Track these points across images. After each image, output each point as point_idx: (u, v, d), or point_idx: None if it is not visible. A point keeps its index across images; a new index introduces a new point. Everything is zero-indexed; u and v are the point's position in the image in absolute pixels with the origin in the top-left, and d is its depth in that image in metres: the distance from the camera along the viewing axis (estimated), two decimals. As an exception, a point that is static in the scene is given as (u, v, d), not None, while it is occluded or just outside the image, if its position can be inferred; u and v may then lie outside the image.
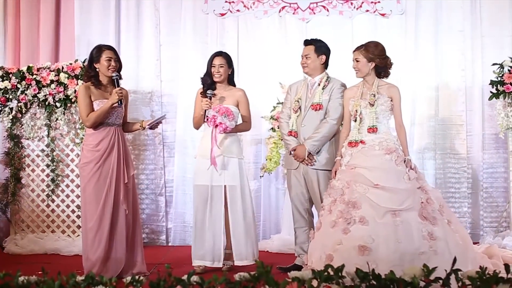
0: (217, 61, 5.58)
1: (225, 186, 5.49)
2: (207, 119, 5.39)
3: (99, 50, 5.23)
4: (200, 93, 5.65)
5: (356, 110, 5.08)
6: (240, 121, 5.68)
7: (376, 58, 5.08)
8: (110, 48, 5.31)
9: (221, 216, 5.48)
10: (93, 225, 5.11)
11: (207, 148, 5.47)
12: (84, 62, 6.61)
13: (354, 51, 5.18)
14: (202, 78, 5.66)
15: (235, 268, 5.47)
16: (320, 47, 5.47)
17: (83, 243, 5.24)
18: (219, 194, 5.48)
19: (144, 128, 5.38)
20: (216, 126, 5.35)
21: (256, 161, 7.15)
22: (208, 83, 5.59)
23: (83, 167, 5.22)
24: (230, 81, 5.69)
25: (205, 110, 5.42)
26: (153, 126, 5.39)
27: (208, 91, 5.51)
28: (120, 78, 5.30)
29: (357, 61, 5.12)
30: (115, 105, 5.13)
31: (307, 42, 5.53)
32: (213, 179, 5.48)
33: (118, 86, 5.16)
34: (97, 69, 5.22)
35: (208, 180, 5.48)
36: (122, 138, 5.28)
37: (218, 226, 5.48)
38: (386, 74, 5.18)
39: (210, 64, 5.60)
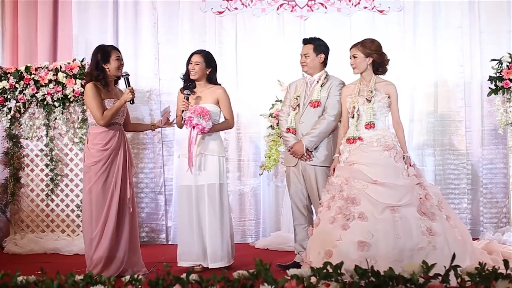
0: (194, 58, 5.55)
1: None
2: (185, 122, 5.38)
3: (106, 50, 5.23)
4: (180, 90, 5.63)
5: (354, 107, 5.09)
6: (222, 119, 5.64)
7: (374, 53, 5.10)
8: (115, 48, 5.37)
9: (205, 215, 5.43)
10: (100, 225, 5.10)
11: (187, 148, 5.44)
12: (82, 61, 6.63)
13: (350, 48, 5.20)
14: (182, 77, 5.64)
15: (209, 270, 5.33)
16: (319, 46, 5.46)
17: (86, 242, 5.20)
18: (203, 193, 5.44)
19: (155, 128, 5.58)
20: (193, 127, 5.34)
21: (255, 159, 7.15)
22: (186, 80, 5.58)
23: (91, 167, 5.17)
24: (210, 79, 5.61)
25: (182, 111, 5.40)
26: (166, 123, 5.50)
27: (185, 91, 5.47)
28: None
29: (355, 57, 5.13)
30: (128, 103, 5.18)
31: (306, 41, 5.52)
32: (196, 179, 5.44)
33: (129, 84, 5.18)
34: (106, 69, 5.21)
35: (191, 180, 5.45)
36: (125, 137, 5.30)
37: (204, 226, 5.43)
38: (384, 71, 5.19)
39: (188, 61, 5.58)
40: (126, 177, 5.19)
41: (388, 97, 5.09)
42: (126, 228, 5.17)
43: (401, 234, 4.58)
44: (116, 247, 5.14)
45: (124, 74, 5.21)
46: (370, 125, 5.03)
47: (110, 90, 5.24)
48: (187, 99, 5.44)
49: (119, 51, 5.31)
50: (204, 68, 5.55)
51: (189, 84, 5.58)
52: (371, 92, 5.07)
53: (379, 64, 5.14)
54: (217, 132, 5.58)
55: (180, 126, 5.68)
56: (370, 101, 5.05)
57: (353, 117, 5.10)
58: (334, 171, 5.10)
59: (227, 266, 5.37)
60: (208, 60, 5.58)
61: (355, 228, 4.63)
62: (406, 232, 4.60)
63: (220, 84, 5.65)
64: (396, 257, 4.47)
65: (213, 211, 5.42)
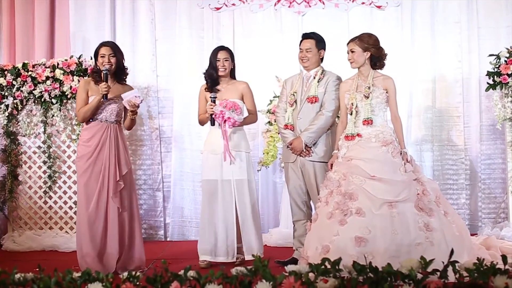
0: (222, 55, 5.59)
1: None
2: (215, 116, 5.39)
3: (98, 47, 5.32)
4: (205, 89, 5.65)
5: (352, 103, 5.08)
6: (246, 113, 5.68)
7: (371, 48, 5.09)
8: (107, 44, 5.36)
9: (232, 210, 5.48)
10: (84, 220, 5.12)
11: (214, 143, 5.49)
12: (79, 58, 6.66)
13: (348, 43, 5.19)
14: (206, 73, 5.65)
15: (246, 262, 5.43)
16: (320, 42, 5.49)
17: (76, 238, 5.28)
18: (229, 188, 5.50)
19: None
20: (225, 121, 5.38)
21: (253, 155, 7.12)
22: (214, 78, 5.58)
23: (76, 162, 5.31)
24: (232, 75, 5.71)
25: (211, 115, 5.42)
26: (130, 103, 5.16)
27: (211, 94, 5.50)
28: (124, 73, 5.37)
29: (352, 51, 5.12)
30: (101, 100, 5.15)
31: (307, 36, 5.52)
32: (223, 174, 5.49)
33: (106, 81, 5.16)
34: (98, 66, 5.29)
35: (218, 174, 5.50)
36: (116, 135, 5.26)
37: (230, 221, 5.49)
38: (381, 65, 5.18)
39: (214, 58, 5.60)
40: (112, 175, 5.17)
41: (386, 92, 5.07)
42: (113, 225, 5.16)
43: (398, 230, 4.57)
44: (105, 243, 5.15)
45: (103, 70, 5.20)
46: (368, 122, 5.02)
47: None
48: (214, 102, 5.45)
49: (111, 48, 5.29)
50: (231, 63, 5.64)
51: (213, 80, 5.59)
52: (369, 88, 5.06)
53: (377, 58, 5.13)
54: (242, 128, 5.63)
55: (202, 124, 5.73)
56: (368, 97, 5.03)
57: (351, 114, 5.09)
58: (332, 166, 5.09)
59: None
60: (232, 55, 5.69)
61: (353, 223, 4.62)
62: (403, 228, 4.59)
63: (235, 78, 5.72)
64: (394, 253, 4.46)
65: (244, 207, 5.50)
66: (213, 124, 5.48)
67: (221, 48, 5.70)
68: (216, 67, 5.58)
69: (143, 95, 7.20)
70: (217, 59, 5.59)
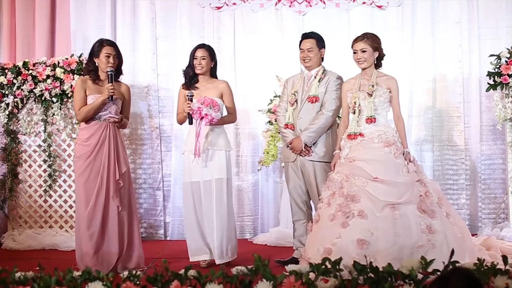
0: (199, 53, 5.58)
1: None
2: (193, 113, 5.34)
3: (100, 45, 5.25)
4: (182, 85, 5.65)
5: (355, 102, 5.06)
6: (225, 113, 5.65)
7: (379, 48, 5.09)
8: (111, 44, 5.32)
9: (213, 210, 5.43)
10: (83, 220, 5.13)
11: (194, 143, 5.43)
12: (80, 56, 6.64)
13: (357, 42, 5.12)
14: (184, 71, 5.66)
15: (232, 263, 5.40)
16: (320, 41, 5.48)
17: (75, 237, 5.27)
18: (210, 188, 5.45)
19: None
20: (202, 118, 5.33)
21: (254, 155, 7.14)
22: (190, 76, 5.59)
23: (75, 161, 5.29)
24: (213, 73, 5.67)
25: (188, 113, 5.37)
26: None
27: (188, 93, 5.45)
28: (121, 73, 5.36)
29: (364, 51, 5.08)
30: (106, 101, 5.14)
31: (307, 36, 5.51)
32: (203, 175, 5.44)
33: (112, 82, 5.14)
34: (96, 64, 5.24)
35: (199, 175, 5.46)
36: (114, 134, 5.26)
37: (211, 221, 5.44)
38: (380, 65, 5.18)
39: (192, 56, 5.60)
40: (111, 174, 5.17)
41: (389, 92, 5.07)
42: (112, 224, 5.16)
43: (400, 232, 4.56)
44: (104, 242, 5.15)
45: (108, 71, 5.17)
46: (371, 120, 5.00)
47: (102, 85, 5.24)
48: (191, 100, 5.42)
49: (115, 48, 5.27)
50: (209, 62, 5.60)
51: (191, 80, 5.58)
52: (372, 86, 5.05)
53: (381, 58, 5.13)
54: (222, 127, 5.59)
55: (181, 122, 5.69)
56: (371, 95, 5.03)
57: (354, 113, 5.08)
58: (334, 167, 5.08)
59: (231, 260, 5.43)
60: (212, 53, 5.64)
61: (355, 226, 4.61)
62: (405, 230, 4.58)
63: (217, 77, 5.68)
64: (395, 255, 4.44)
65: (220, 206, 5.44)
66: (191, 122, 5.41)
67: (200, 46, 5.67)
68: (193, 65, 5.57)
69: (143, 95, 7.21)
70: (195, 57, 5.57)
